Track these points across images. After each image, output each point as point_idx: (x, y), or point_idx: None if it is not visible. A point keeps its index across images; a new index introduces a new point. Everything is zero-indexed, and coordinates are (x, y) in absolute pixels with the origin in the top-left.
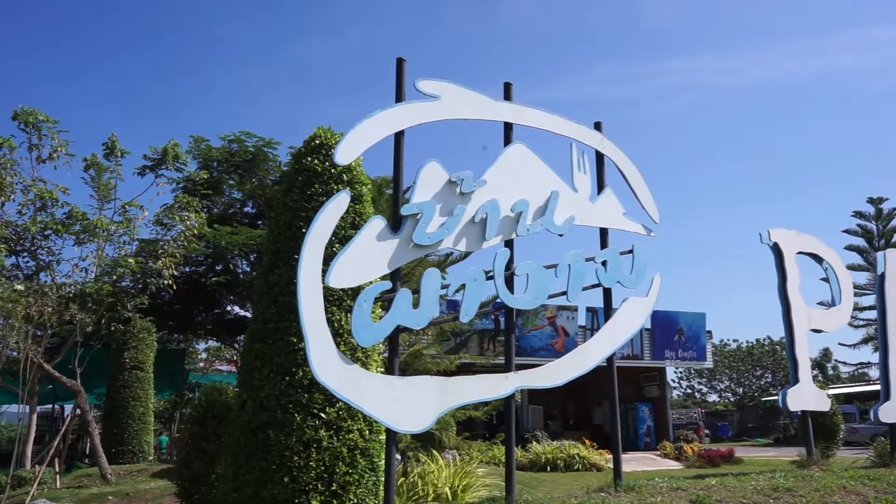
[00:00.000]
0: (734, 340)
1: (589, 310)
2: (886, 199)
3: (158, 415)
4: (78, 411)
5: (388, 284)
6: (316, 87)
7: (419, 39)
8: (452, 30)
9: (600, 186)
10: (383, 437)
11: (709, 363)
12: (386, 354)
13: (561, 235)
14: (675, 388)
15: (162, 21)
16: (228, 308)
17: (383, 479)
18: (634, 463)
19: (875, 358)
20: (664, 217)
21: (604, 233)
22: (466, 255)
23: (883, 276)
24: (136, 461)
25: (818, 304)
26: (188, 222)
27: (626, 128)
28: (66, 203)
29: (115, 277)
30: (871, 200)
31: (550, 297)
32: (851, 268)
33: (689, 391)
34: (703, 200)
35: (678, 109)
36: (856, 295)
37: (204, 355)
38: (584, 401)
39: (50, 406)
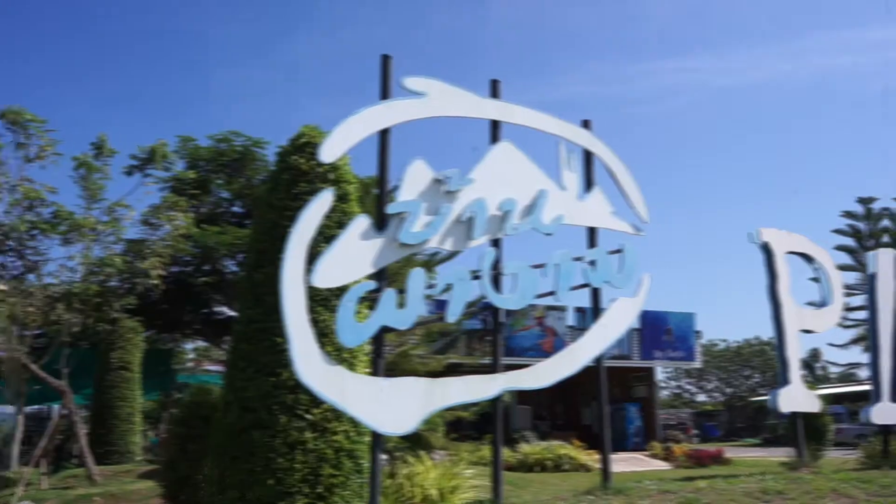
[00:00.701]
0: (723, 340)
1: (578, 310)
2: (876, 199)
3: (148, 415)
4: (64, 412)
5: (373, 284)
6: (305, 86)
7: (407, 38)
8: (441, 29)
9: (588, 185)
10: (369, 438)
11: (697, 363)
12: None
13: (549, 234)
14: (663, 388)
15: (157, 21)
16: (216, 308)
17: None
18: (623, 463)
19: (864, 358)
20: (653, 216)
21: (592, 232)
22: (453, 254)
23: (874, 276)
24: (124, 462)
25: (807, 304)
26: (176, 222)
27: (624, 127)
28: (52, 203)
29: (101, 277)
30: (860, 200)
31: (538, 296)
32: (841, 268)
33: (677, 391)
34: (693, 200)
35: (676, 109)
36: (846, 295)
37: (192, 355)
38: (572, 401)
39: (40, 407)
